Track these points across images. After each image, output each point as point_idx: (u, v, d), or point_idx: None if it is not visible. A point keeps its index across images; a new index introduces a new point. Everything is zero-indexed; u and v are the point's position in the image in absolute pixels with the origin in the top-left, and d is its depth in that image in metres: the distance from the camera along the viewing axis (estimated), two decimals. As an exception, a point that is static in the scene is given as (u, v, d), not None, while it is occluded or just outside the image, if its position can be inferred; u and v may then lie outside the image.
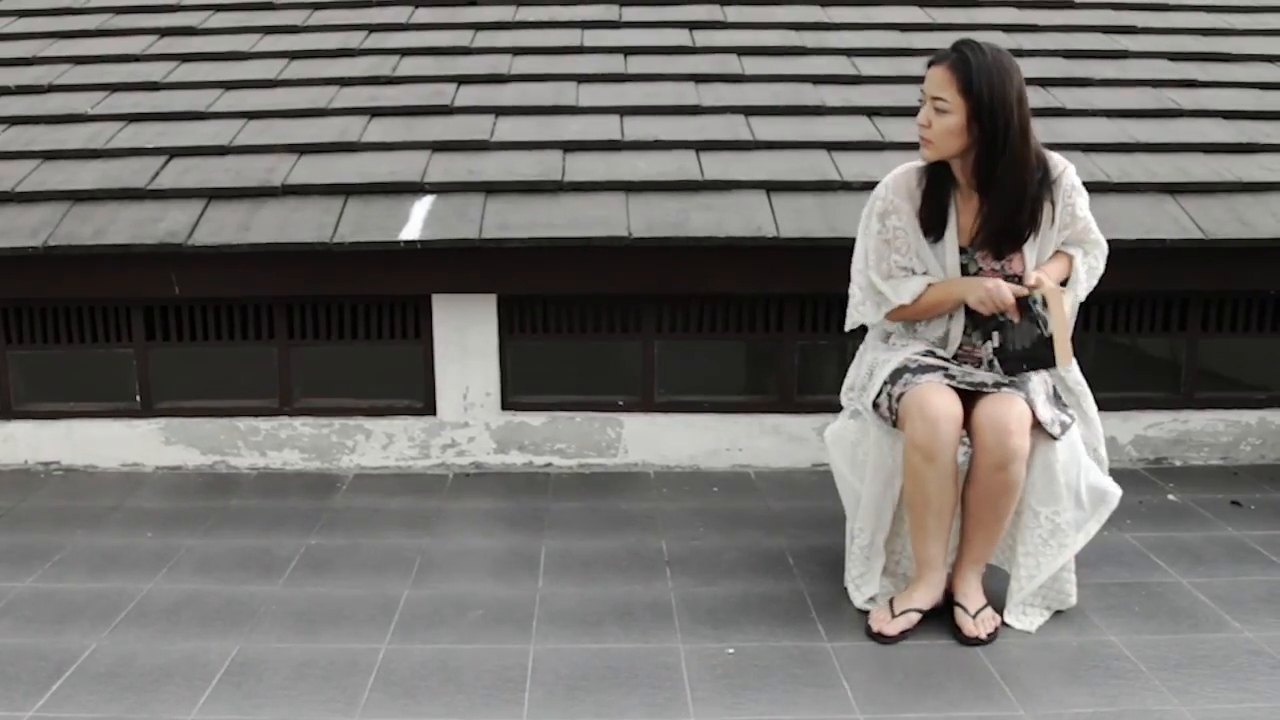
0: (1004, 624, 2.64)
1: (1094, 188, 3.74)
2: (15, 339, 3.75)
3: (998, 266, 2.67)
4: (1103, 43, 4.76)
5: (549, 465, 3.77)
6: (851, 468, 2.76)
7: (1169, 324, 3.79)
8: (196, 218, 3.63)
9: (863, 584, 2.75)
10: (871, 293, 2.76)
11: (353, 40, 4.78)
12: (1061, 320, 2.57)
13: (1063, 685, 2.39)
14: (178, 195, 3.74)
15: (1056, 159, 2.69)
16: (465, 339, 3.70)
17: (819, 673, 2.44)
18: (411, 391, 3.78)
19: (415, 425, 3.76)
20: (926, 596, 2.66)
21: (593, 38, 4.80)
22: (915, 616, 2.63)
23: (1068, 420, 2.63)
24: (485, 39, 4.79)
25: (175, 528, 3.27)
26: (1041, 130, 3.99)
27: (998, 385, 2.62)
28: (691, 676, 2.42)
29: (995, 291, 2.56)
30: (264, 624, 2.68)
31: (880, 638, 2.59)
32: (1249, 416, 3.79)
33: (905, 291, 2.70)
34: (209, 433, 3.75)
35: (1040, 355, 2.59)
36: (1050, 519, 2.62)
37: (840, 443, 2.80)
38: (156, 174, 3.83)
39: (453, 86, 4.38)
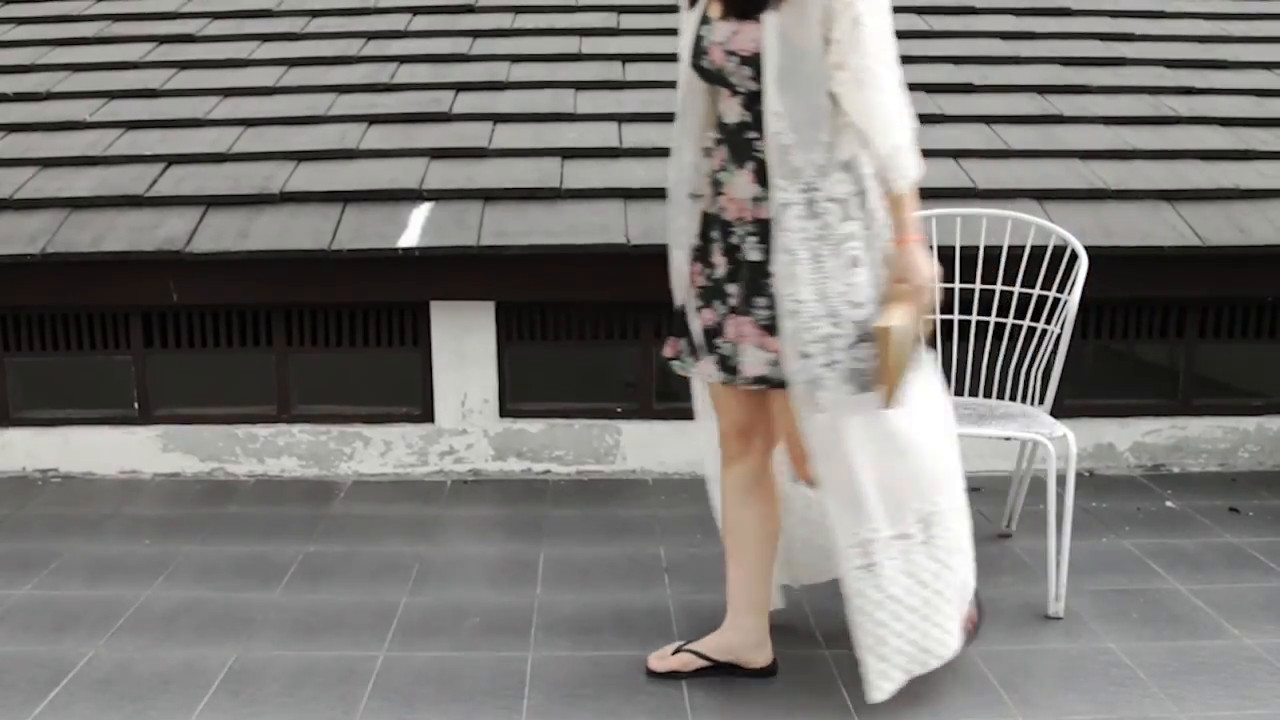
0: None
1: (1092, 195, 3.78)
2: (13, 346, 3.75)
3: (722, 39, 2.17)
4: (1100, 50, 4.77)
5: (547, 472, 3.77)
6: None
7: (1166, 330, 3.79)
8: (195, 225, 3.63)
9: None
10: None
11: (351, 47, 4.79)
12: (892, 359, 2.10)
13: (1061, 692, 2.39)
14: (176, 202, 3.74)
15: None
16: (463, 346, 3.70)
17: (817, 679, 2.44)
18: (410, 398, 3.78)
19: (413, 432, 3.76)
20: (714, 642, 2.43)
21: (591, 45, 4.81)
22: (694, 660, 2.42)
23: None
24: (483, 46, 4.80)
25: (173, 535, 3.26)
26: (1040, 137, 4.07)
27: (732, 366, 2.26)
28: (690, 683, 2.41)
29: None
30: (262, 631, 2.67)
31: (646, 670, 2.44)
32: (1247, 423, 3.79)
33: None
34: (207, 440, 3.75)
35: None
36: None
37: None
38: (155, 181, 3.84)
39: (451, 94, 4.38)
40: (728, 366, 2.27)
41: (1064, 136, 4.08)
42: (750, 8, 2.12)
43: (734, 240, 2.25)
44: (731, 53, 2.15)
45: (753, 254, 2.21)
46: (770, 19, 2.10)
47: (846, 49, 2.07)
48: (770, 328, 2.19)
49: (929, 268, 2.17)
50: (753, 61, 2.13)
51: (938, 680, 2.43)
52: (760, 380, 2.24)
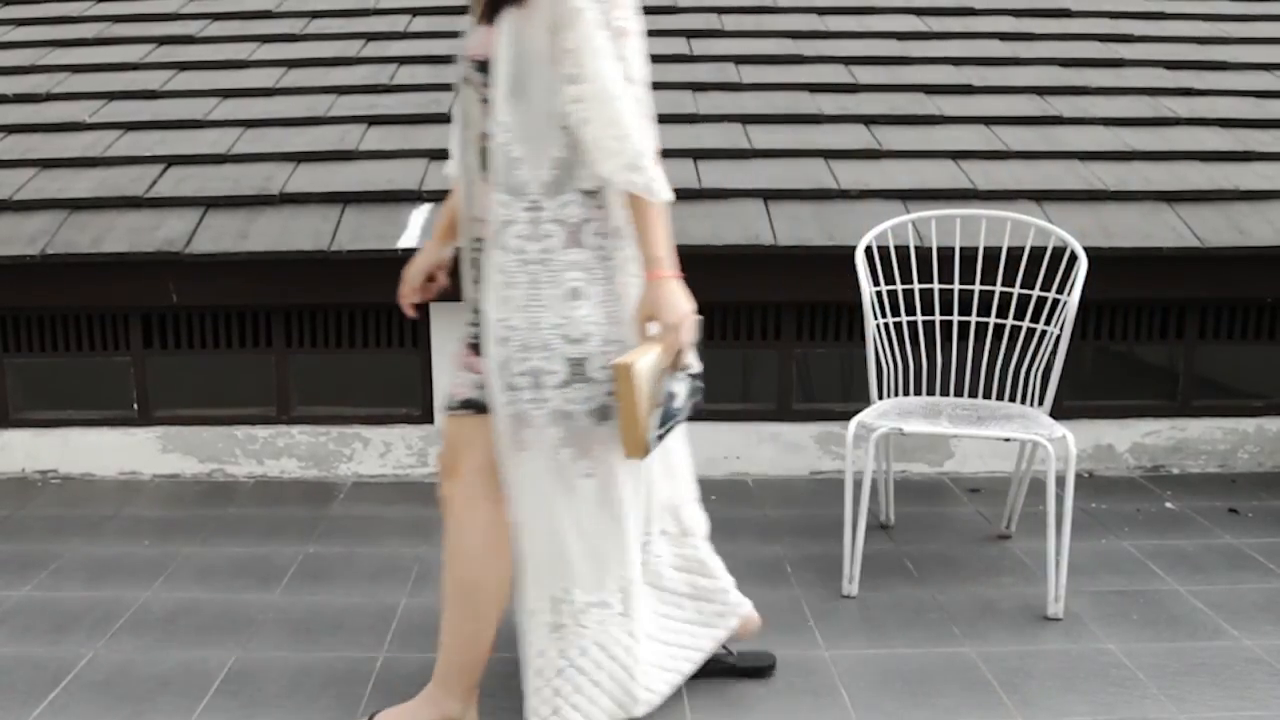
0: None
1: (1092, 196, 3.78)
2: (13, 347, 3.75)
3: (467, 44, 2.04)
4: (1099, 51, 4.78)
5: (547, 473, 3.76)
6: None
7: (1166, 332, 3.79)
8: (194, 226, 3.63)
9: None
10: None
11: (350, 49, 4.79)
12: (630, 402, 1.91)
13: (1060, 693, 2.39)
14: (175, 203, 3.74)
15: None
16: (463, 347, 3.70)
17: (817, 681, 2.44)
18: (409, 399, 3.78)
19: (413, 433, 3.76)
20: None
21: (591, 46, 4.80)
22: None
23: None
24: (483, 47, 4.79)
25: (172, 536, 3.26)
26: (1039, 138, 4.07)
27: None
28: (689, 685, 2.41)
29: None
30: (261, 633, 2.68)
31: None
32: (1246, 424, 3.79)
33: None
34: (206, 441, 3.75)
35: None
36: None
37: None
38: (154, 182, 3.84)
39: (450, 95, 4.38)
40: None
41: (1063, 138, 4.09)
42: (492, 10, 1.96)
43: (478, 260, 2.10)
44: (467, 57, 2.01)
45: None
46: (506, 20, 1.93)
47: (577, 62, 1.90)
48: (475, 346, 2.06)
49: (683, 305, 1.97)
50: (484, 67, 1.98)
51: (938, 681, 2.44)
52: (468, 404, 2.08)
